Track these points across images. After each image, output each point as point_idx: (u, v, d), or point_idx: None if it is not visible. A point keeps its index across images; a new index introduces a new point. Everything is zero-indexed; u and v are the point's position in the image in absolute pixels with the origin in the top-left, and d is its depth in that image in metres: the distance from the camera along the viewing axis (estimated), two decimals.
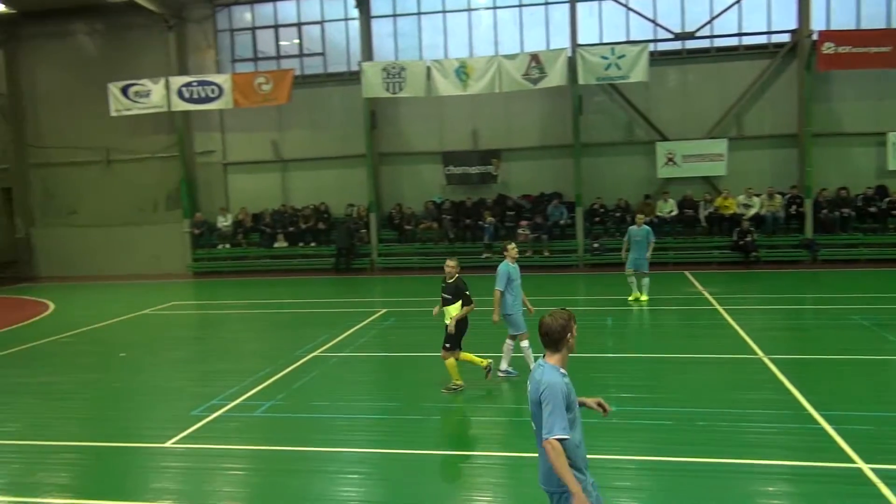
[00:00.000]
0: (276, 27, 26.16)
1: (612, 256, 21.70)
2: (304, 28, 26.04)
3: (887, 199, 21.98)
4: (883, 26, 21.92)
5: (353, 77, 24.62)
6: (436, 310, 10.47)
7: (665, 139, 23.60)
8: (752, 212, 22.47)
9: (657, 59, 22.99)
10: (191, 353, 14.21)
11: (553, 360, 4.42)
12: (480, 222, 23.82)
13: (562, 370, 4.39)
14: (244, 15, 26.40)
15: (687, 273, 20.62)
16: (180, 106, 24.38)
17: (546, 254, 23.36)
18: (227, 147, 26.85)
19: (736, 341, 12.31)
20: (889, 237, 21.75)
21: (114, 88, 24.47)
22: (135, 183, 27.07)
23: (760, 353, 11.35)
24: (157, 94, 24.28)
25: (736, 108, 23.28)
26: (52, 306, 20.05)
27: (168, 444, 8.41)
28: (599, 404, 4.80)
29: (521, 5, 24.49)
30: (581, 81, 22.27)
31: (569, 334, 4.40)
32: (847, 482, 6.67)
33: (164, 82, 24.24)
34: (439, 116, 25.13)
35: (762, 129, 23.35)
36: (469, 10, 24.85)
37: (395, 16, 25.28)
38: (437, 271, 23.00)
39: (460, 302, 10.01)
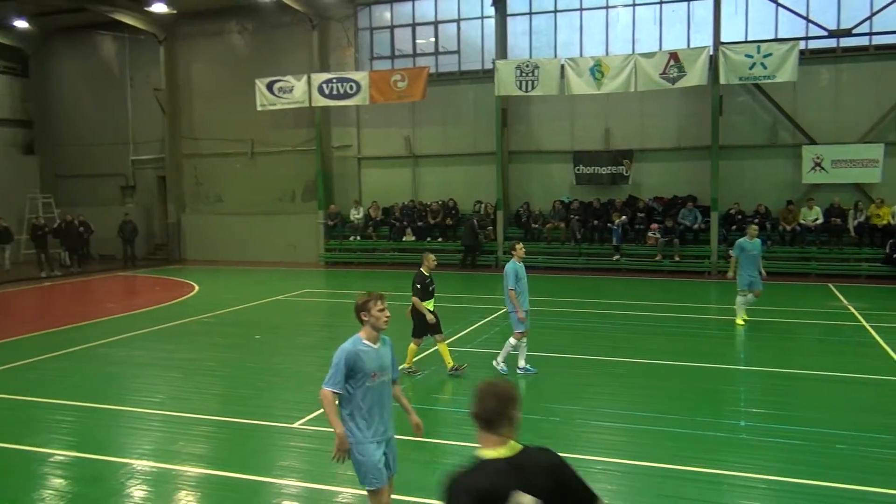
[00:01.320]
0: (413, 25, 26.70)
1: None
2: (441, 26, 26.43)
3: None
4: None
5: (486, 75, 24.75)
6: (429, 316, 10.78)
7: (813, 142, 22.21)
8: None
9: (808, 57, 21.68)
10: (320, 338, 14.77)
11: (361, 333, 5.20)
12: (609, 224, 23.35)
13: (365, 341, 5.14)
14: (384, 14, 27.11)
15: (831, 286, 19.35)
16: (320, 102, 25.36)
17: (676, 259, 22.59)
18: (362, 142, 27.69)
19: (884, 361, 11.44)
20: None
21: (260, 84, 25.78)
22: (275, 174, 28.44)
23: None
24: (299, 90, 25.37)
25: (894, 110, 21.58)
26: (196, 287, 21.42)
27: (295, 425, 8.78)
28: (417, 425, 5.58)
29: (661, 2, 23.75)
30: (722, 81, 21.34)
31: (363, 312, 5.16)
32: None
33: (305, 79, 25.28)
34: (571, 115, 24.83)
35: None
36: (607, 7, 24.36)
37: (531, 14, 25.18)
38: (562, 271, 22.98)
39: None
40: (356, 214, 26.71)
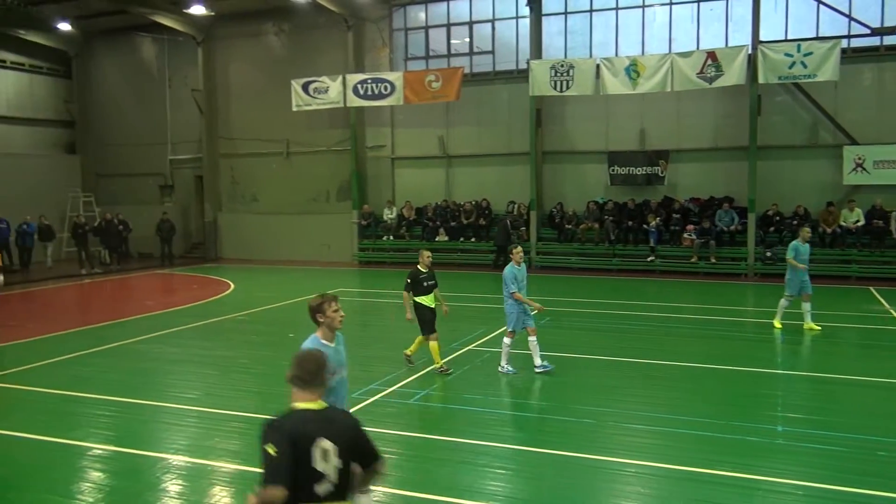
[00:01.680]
0: (448, 26, 26.73)
1: (786, 267, 20.32)
2: (475, 26, 26.43)
3: None
4: None
5: (520, 75, 24.68)
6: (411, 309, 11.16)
7: (854, 143, 21.76)
8: None
9: (850, 56, 21.23)
10: (353, 337, 14.72)
11: (318, 332, 5.48)
12: (644, 225, 23.14)
13: (322, 340, 5.42)
14: (418, 14, 27.19)
15: (872, 289, 18.95)
16: (355, 102, 25.51)
17: (713, 260, 22.30)
18: (396, 142, 27.80)
19: None
20: None
21: (295, 85, 26.01)
22: (309, 174, 28.69)
23: None
24: (334, 91, 25.55)
25: None
26: (232, 286, 21.70)
27: None
28: None
29: (699, 0, 23.46)
30: (761, 80, 21.00)
31: (318, 313, 5.42)
32: None
33: (341, 79, 25.45)
34: (606, 115, 24.65)
35: None
36: (643, 6, 24.13)
37: (566, 13, 25.05)
38: (596, 272, 22.81)
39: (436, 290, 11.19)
40: (389, 214, 26.82)
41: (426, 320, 11.04)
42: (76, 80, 32.51)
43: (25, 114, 31.05)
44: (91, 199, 30.73)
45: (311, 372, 3.81)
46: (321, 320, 5.47)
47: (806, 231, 14.34)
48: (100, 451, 8.13)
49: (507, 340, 11.06)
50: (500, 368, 11.07)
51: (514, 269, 10.91)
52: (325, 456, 3.59)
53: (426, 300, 11.07)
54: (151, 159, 31.11)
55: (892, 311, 15.90)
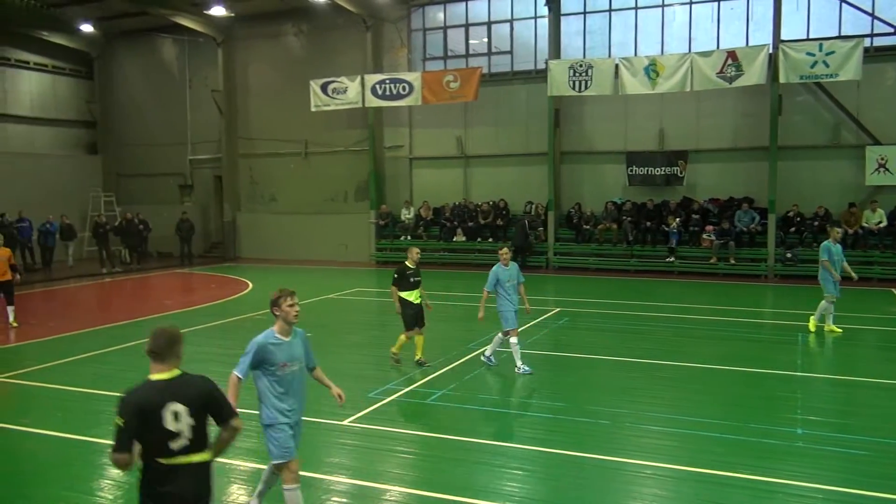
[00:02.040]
0: (466, 26, 26.73)
1: (806, 268, 20.19)
2: (494, 26, 26.41)
3: None
4: None
5: (539, 75, 24.63)
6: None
7: (877, 143, 21.50)
8: None
9: (873, 55, 21.01)
10: (370, 337, 14.91)
11: (274, 326, 5.73)
12: (663, 225, 23.01)
13: (277, 335, 5.69)
14: (437, 14, 27.20)
15: (894, 291, 18.72)
16: (373, 102, 25.57)
17: (732, 261, 22.13)
18: (414, 142, 27.83)
19: None
20: None
21: (314, 85, 26.12)
22: (328, 174, 28.80)
23: None
24: (352, 91, 25.62)
25: None
26: (251, 285, 21.83)
27: (345, 422, 8.88)
28: (339, 395, 6.21)
29: (719, 0, 23.30)
30: (782, 80, 20.81)
31: (275, 307, 5.69)
32: None
33: (359, 80, 25.52)
34: (624, 116, 24.53)
35: None
36: (663, 6, 24.00)
37: (585, 13, 24.96)
38: (613, 273, 22.72)
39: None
40: (407, 214, 26.85)
41: (408, 315, 11.27)
42: (98, 80, 32.88)
43: (48, 114, 31.47)
44: (112, 199, 31.05)
45: (161, 346, 4.26)
46: (277, 314, 5.71)
47: (836, 231, 14.10)
48: None
49: (513, 340, 11.06)
50: (516, 370, 11.04)
51: (499, 269, 11.05)
52: (177, 417, 4.11)
53: (410, 296, 11.29)
54: (171, 159, 31.39)
55: None
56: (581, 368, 11.74)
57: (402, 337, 11.48)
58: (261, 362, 5.66)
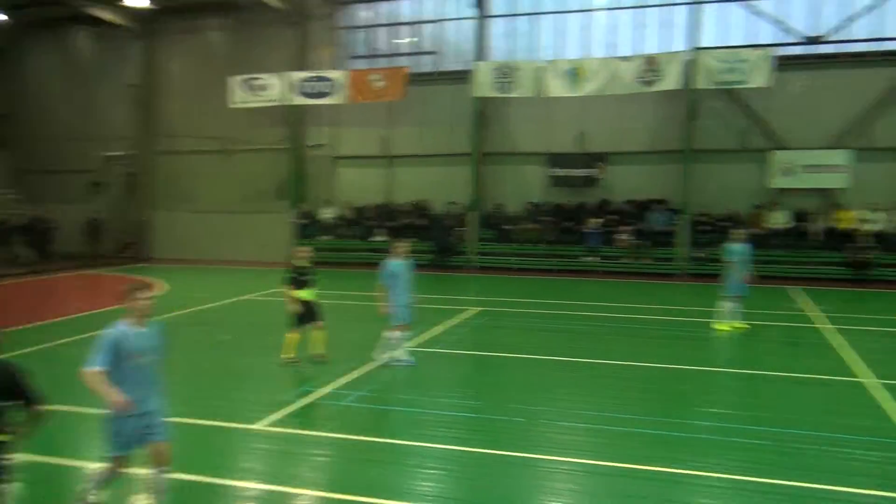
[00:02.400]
0: (392, 25, 26.60)
1: (717, 266, 20.84)
2: (420, 26, 26.39)
3: None
4: None
5: (464, 76, 24.70)
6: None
7: (783, 148, 22.46)
8: (873, 227, 21.10)
9: (782, 63, 21.88)
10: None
11: (126, 318, 5.78)
12: (582, 226, 23.43)
13: (129, 326, 5.75)
14: (363, 13, 26.97)
15: (795, 288, 19.57)
16: (297, 100, 25.16)
17: (647, 261, 22.75)
18: (338, 141, 27.51)
19: (840, 363, 11.56)
20: None
21: (235, 81, 25.51)
22: (248, 173, 28.18)
23: (865, 378, 10.62)
24: (275, 89, 25.14)
25: (865, 117, 21.88)
26: (166, 286, 21.10)
27: (258, 426, 8.62)
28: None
29: (640, 6, 23.92)
30: (698, 86, 21.53)
31: (128, 300, 5.77)
32: None
33: (283, 77, 25.05)
34: (547, 118, 24.88)
35: (893, 140, 21.83)
36: (586, 10, 24.49)
37: (510, 15, 25.24)
38: (535, 273, 22.96)
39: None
40: (328, 213, 26.51)
41: (297, 314, 11.32)
42: (6, 72, 31.23)
43: None
44: (16, 196, 29.51)
45: None
46: (129, 306, 5.81)
47: (738, 232, 14.56)
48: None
49: (397, 334, 11.18)
50: (394, 362, 11.18)
51: (393, 264, 11.18)
52: None
53: (303, 294, 11.33)
54: (84, 156, 30.09)
55: (813, 309, 16.48)
56: (500, 367, 11.78)
57: (288, 336, 11.41)
58: (114, 353, 5.67)
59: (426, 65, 26.40)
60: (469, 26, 25.42)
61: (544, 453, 7.74)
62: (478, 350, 13.09)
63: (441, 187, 25.98)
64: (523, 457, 7.68)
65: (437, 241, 24.34)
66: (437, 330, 14.13)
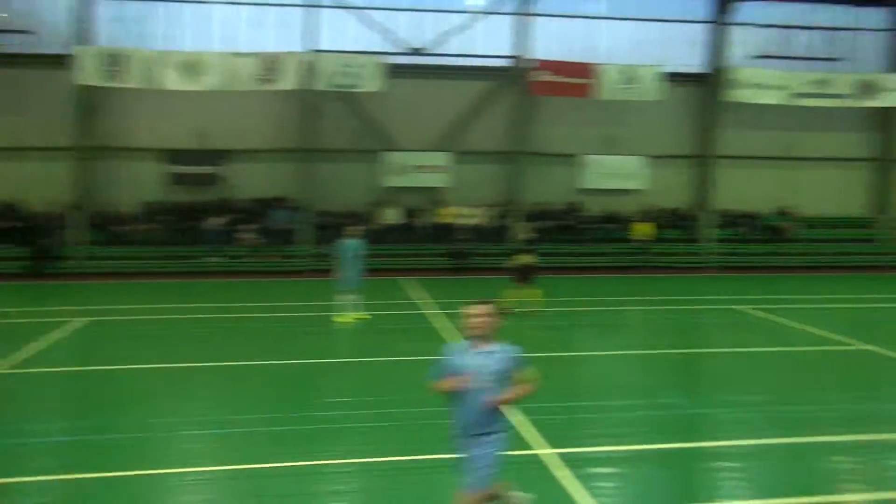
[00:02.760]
0: None
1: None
2: (11, 1, 22.98)
3: (578, 214, 25.18)
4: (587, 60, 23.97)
5: (66, 61, 21.81)
6: None
7: (394, 149, 24.23)
8: (470, 222, 23.95)
9: (393, 71, 23.43)
10: None
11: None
12: (203, 225, 22.59)
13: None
14: None
15: (408, 279, 21.21)
16: None
17: (271, 259, 22.81)
18: None
19: (439, 343, 12.74)
20: (582, 248, 24.28)
21: None
22: None
23: None
24: None
25: (460, 124, 24.63)
26: None
27: None
28: None
29: (258, 4, 23.81)
30: (315, 87, 22.10)
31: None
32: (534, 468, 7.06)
33: None
34: (164, 112, 23.46)
35: (483, 145, 24.94)
36: (202, 2, 23.60)
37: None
38: (152, 276, 21.43)
39: None
40: None
41: None
42: None
43: None
44: None
45: None
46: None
47: (352, 229, 15.14)
48: None
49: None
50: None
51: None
52: None
53: None
54: None
55: (423, 297, 17.99)
56: (111, 381, 10.62)
57: None
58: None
59: (20, 45, 22.98)
60: (68, 6, 22.74)
61: (167, 467, 7.17)
62: (85, 365, 11.71)
63: (39, 185, 22.85)
64: (144, 475, 7.02)
65: (34, 245, 21.34)
66: (35, 347, 12.31)
